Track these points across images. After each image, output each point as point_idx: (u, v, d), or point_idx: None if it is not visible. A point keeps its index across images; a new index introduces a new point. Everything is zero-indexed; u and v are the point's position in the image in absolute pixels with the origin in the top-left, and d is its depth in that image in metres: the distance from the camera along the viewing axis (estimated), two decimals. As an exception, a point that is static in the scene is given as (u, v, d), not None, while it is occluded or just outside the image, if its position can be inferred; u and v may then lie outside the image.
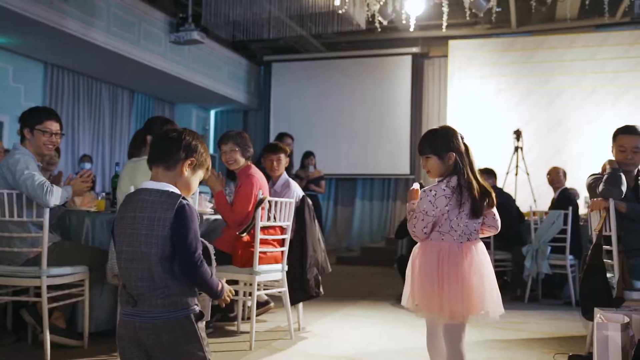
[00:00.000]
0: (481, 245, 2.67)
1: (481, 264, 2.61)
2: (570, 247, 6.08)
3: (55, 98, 9.22)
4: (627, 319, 3.05)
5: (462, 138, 2.69)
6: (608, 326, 2.96)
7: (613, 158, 3.88)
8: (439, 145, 2.64)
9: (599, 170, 3.96)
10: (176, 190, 2.01)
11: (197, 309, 1.99)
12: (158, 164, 2.04)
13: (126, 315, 1.96)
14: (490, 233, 2.74)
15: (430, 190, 2.61)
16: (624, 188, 3.62)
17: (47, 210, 3.47)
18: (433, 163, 2.66)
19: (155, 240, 1.91)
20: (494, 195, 2.68)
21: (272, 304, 4.99)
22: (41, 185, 3.47)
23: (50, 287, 3.55)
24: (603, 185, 3.65)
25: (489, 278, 2.62)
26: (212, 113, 13.17)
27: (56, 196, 3.50)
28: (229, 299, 2.09)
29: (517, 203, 8.25)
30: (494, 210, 2.71)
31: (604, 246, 3.68)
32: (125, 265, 1.97)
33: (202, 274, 1.95)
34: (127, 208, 2.00)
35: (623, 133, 3.84)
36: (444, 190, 2.59)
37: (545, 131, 10.62)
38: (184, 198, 1.98)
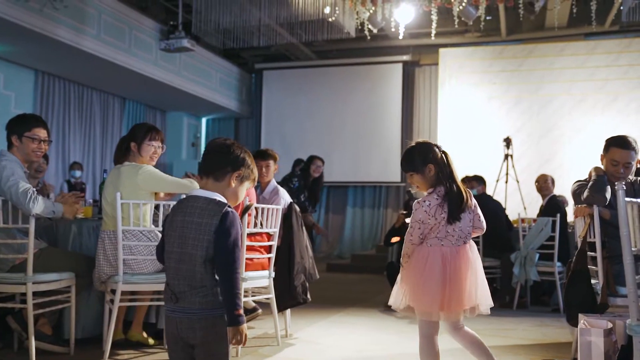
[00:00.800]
0: (474, 245, 2.87)
1: (475, 262, 2.81)
2: (559, 254, 6.11)
3: (46, 105, 9.21)
4: (610, 325, 3.07)
5: (438, 148, 2.86)
6: (591, 332, 2.99)
7: (601, 165, 3.90)
8: (416, 161, 2.83)
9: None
10: (223, 199, 2.14)
11: None
12: (208, 175, 2.18)
13: (169, 312, 2.11)
14: (477, 234, 2.92)
15: (425, 201, 2.79)
16: (608, 195, 3.64)
17: (32, 219, 3.46)
18: (417, 178, 2.86)
19: (201, 243, 2.06)
20: (469, 198, 2.84)
21: (259, 311, 4.98)
22: (25, 192, 3.47)
23: (36, 294, 3.54)
24: (588, 191, 3.67)
25: (481, 275, 2.82)
26: (204, 121, 13.18)
27: (40, 205, 3.49)
28: (239, 339, 2.04)
29: (508, 210, 8.29)
30: (479, 211, 2.89)
31: (588, 252, 3.71)
32: (174, 265, 2.11)
33: (235, 280, 2.05)
34: (177, 212, 2.15)
35: (616, 146, 3.76)
36: (437, 199, 2.78)
37: (535, 139, 10.69)
38: (229, 206, 2.11)
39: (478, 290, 2.77)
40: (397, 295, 2.84)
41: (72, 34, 7.73)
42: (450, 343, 3.14)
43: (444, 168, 2.81)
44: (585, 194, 3.68)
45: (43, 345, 3.69)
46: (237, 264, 2.06)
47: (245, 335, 2.06)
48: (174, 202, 3.93)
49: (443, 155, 2.85)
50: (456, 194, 2.78)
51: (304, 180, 7.21)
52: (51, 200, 3.76)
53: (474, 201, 2.90)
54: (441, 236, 2.76)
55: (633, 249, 2.07)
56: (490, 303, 2.82)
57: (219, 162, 2.17)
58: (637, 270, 3.31)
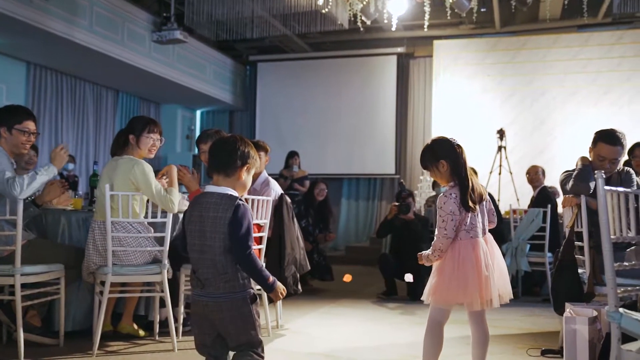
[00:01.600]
0: (492, 237, 3.00)
1: (498, 253, 2.97)
2: (549, 244, 6.14)
3: (38, 98, 9.16)
4: (595, 313, 3.10)
5: (453, 143, 2.94)
6: (576, 320, 3.02)
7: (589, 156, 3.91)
8: (428, 158, 2.97)
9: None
10: (234, 193, 2.36)
11: (252, 292, 2.35)
12: (218, 172, 2.38)
13: (197, 296, 2.35)
14: (491, 226, 3.06)
15: (451, 194, 2.87)
16: (592, 184, 3.66)
17: (21, 208, 3.45)
18: (433, 174, 3.00)
19: (219, 235, 2.28)
20: (484, 192, 2.97)
21: (251, 302, 4.99)
22: (6, 179, 3.47)
23: (24, 286, 3.55)
24: (572, 181, 3.71)
25: (503, 264, 2.97)
26: (198, 113, 13.15)
27: (22, 185, 3.47)
28: (281, 296, 2.39)
29: (501, 202, 8.32)
30: (492, 206, 3.06)
31: (575, 242, 3.73)
32: (196, 256, 2.34)
33: (253, 261, 2.30)
34: (195, 208, 2.36)
35: (604, 142, 3.76)
36: (460, 191, 2.88)
37: (528, 131, 10.70)
38: (240, 199, 2.33)
39: (503, 279, 2.91)
40: (429, 290, 2.91)
41: (64, 26, 7.69)
42: (449, 333, 3.22)
43: (458, 162, 2.90)
44: (570, 183, 3.71)
45: (32, 337, 3.70)
46: (252, 249, 2.29)
47: (283, 290, 2.38)
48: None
49: (458, 149, 2.93)
50: (468, 186, 2.87)
51: (305, 204, 6.99)
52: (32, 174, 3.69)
53: (488, 196, 3.02)
54: (468, 228, 2.86)
55: (612, 236, 2.08)
56: (511, 293, 2.96)
57: (228, 160, 2.37)
58: (621, 258, 3.33)
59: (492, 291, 2.82)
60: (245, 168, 2.39)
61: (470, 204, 2.84)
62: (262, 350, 2.38)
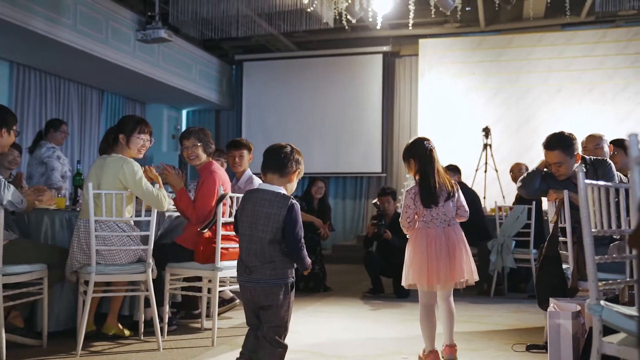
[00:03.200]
0: (458, 228, 3.39)
1: (462, 242, 3.35)
2: (535, 241, 6.16)
3: (22, 98, 9.07)
4: (578, 308, 3.11)
5: (426, 144, 3.36)
6: (560, 315, 3.03)
7: None
8: (405, 156, 3.44)
9: None
10: (285, 192, 2.67)
11: (292, 280, 2.65)
12: (273, 172, 2.71)
13: (243, 281, 2.65)
14: (461, 220, 3.45)
15: (412, 189, 3.38)
16: (532, 188, 3.94)
17: (1, 208, 3.41)
18: (408, 169, 3.47)
19: (271, 229, 2.57)
20: (453, 189, 3.38)
21: (237, 301, 4.98)
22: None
23: (6, 286, 3.50)
24: (518, 183, 3.96)
25: (467, 253, 3.36)
26: (184, 113, 13.09)
27: (10, 194, 3.45)
28: (308, 270, 2.73)
29: (488, 199, 8.36)
30: (462, 202, 3.43)
31: (559, 237, 3.75)
32: (246, 245, 2.63)
33: (302, 254, 2.62)
34: (248, 201, 2.67)
35: (543, 147, 3.85)
36: (418, 189, 3.34)
37: (514, 128, 10.75)
38: (292, 198, 2.63)
39: (464, 265, 3.29)
40: (404, 275, 3.40)
41: (47, 25, 7.61)
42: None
43: (427, 161, 3.33)
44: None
45: (15, 338, 3.67)
46: (302, 242, 2.62)
47: (310, 267, 2.70)
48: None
49: (430, 150, 3.34)
50: (427, 184, 3.30)
51: (305, 202, 6.85)
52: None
53: (459, 193, 3.41)
54: (427, 220, 3.32)
55: (593, 230, 2.09)
56: (476, 277, 3.36)
57: (284, 163, 2.70)
58: (604, 253, 3.35)
59: (442, 277, 3.23)
60: (297, 172, 2.72)
61: (428, 201, 3.28)
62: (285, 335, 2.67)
